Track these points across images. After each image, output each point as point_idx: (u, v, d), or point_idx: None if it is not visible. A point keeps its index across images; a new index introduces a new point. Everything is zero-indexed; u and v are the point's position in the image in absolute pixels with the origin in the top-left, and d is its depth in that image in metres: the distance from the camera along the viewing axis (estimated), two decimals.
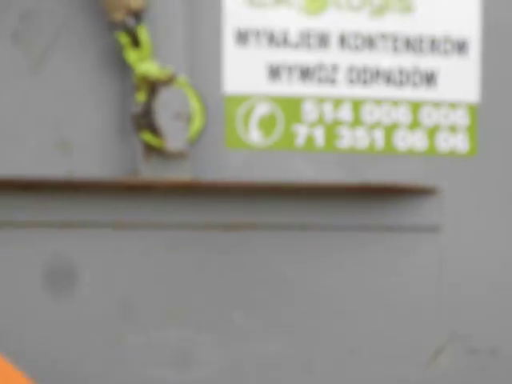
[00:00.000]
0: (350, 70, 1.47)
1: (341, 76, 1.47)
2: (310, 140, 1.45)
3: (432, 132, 1.58)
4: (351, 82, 1.48)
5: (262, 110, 1.42)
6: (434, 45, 1.53)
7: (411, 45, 1.49)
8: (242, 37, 1.37)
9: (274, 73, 1.42)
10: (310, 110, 1.45)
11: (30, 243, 1.47)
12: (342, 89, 1.48)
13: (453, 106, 1.53)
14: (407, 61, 1.50)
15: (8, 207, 1.44)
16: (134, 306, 1.48)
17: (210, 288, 1.50)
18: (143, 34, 1.23)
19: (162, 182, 1.36)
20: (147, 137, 1.31)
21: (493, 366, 1.66)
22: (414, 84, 1.52)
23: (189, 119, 1.35)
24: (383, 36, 1.48)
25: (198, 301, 1.49)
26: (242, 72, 1.44)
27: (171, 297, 1.51)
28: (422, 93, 1.53)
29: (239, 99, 1.41)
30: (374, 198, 1.53)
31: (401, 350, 1.51)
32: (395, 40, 1.50)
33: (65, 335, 1.51)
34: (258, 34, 1.39)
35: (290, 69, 1.44)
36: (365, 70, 1.44)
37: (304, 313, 1.59)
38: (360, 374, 1.66)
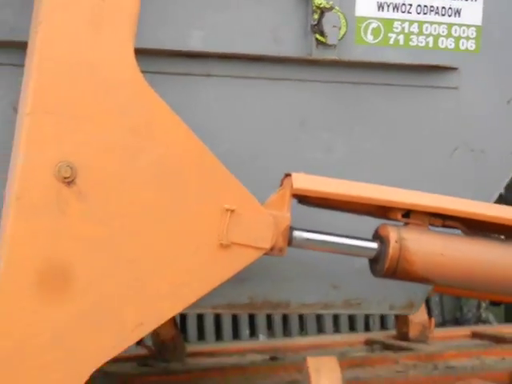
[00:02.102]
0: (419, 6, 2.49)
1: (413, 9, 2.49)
2: (396, 41, 2.47)
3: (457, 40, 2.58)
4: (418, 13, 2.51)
5: (373, 25, 2.47)
6: None
7: None
8: None
9: (380, 6, 2.44)
10: (397, 26, 2.50)
11: None
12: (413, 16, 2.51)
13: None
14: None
15: None
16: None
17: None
18: None
19: (325, 59, 2.40)
20: (319, 36, 2.34)
21: (482, 160, 2.63)
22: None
23: (339, 28, 2.38)
24: None
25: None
26: (364, 5, 2.47)
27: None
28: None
29: (363, 19, 2.46)
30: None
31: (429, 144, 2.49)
32: None
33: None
34: None
35: (388, 5, 2.45)
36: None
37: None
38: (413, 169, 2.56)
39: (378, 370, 3.13)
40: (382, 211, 2.32)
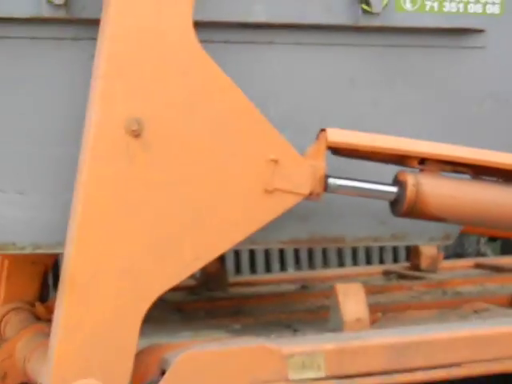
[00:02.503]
0: None
1: None
2: (432, 8, 2.49)
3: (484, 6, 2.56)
4: None
5: None
6: None
7: None
8: None
9: None
10: None
11: None
12: None
13: None
14: None
15: None
16: None
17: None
18: None
19: (370, 25, 2.44)
20: (364, 6, 2.37)
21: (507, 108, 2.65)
22: None
23: None
24: None
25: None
26: None
27: None
28: None
29: None
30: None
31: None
32: None
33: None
34: None
35: None
36: None
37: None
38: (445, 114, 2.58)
39: (395, 296, 3.17)
40: (400, 160, 2.34)
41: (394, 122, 2.51)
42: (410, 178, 2.27)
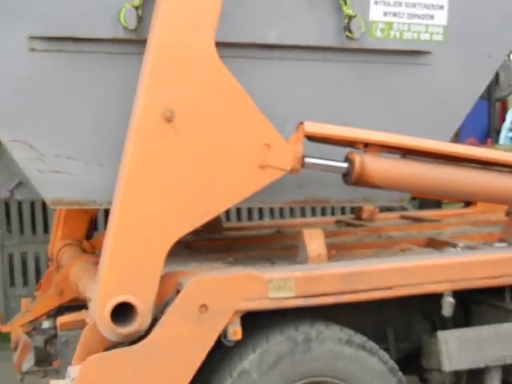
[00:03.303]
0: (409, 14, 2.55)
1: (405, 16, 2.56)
2: (395, 36, 2.56)
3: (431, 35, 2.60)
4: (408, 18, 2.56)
5: (380, 26, 2.57)
6: None
7: None
8: None
9: (384, 14, 2.57)
10: (395, 26, 2.58)
11: None
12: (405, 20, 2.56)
13: None
14: None
15: None
16: None
17: None
18: None
19: (352, 47, 2.49)
20: (348, 33, 2.42)
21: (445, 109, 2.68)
22: None
23: (360, 28, 2.47)
24: None
25: None
26: (375, 13, 2.56)
27: None
28: None
29: (374, 22, 2.54)
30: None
31: None
32: None
33: None
34: None
35: (389, 13, 2.57)
36: None
37: None
38: None
39: (345, 238, 3.16)
40: (351, 144, 2.39)
41: (366, 117, 2.56)
42: (357, 157, 2.33)
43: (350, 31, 2.44)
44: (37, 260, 4.62)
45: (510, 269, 2.49)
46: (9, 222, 4.50)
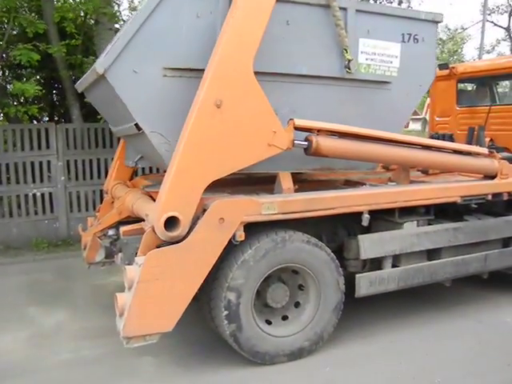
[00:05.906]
0: (381, 60, 3.02)
1: (378, 61, 3.02)
2: (372, 72, 2.96)
3: (391, 71, 3.09)
4: (380, 62, 3.01)
5: (364, 66, 2.95)
6: None
7: None
8: None
9: (366, 59, 2.98)
10: (372, 66, 3.00)
11: None
12: (378, 63, 3.03)
13: None
14: None
15: None
16: None
17: None
18: None
19: (349, 77, 2.88)
20: (347, 70, 2.78)
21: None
22: None
23: (355, 66, 2.84)
24: None
25: None
26: (362, 58, 2.96)
27: None
28: None
29: (361, 64, 2.95)
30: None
31: None
32: None
33: None
34: None
35: (369, 59, 2.98)
36: None
37: None
38: None
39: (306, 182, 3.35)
40: (311, 131, 2.80)
41: (354, 120, 2.95)
42: (313, 138, 2.77)
43: (349, 68, 2.90)
44: (86, 196, 6.04)
45: (398, 197, 2.99)
46: (69, 172, 5.93)
